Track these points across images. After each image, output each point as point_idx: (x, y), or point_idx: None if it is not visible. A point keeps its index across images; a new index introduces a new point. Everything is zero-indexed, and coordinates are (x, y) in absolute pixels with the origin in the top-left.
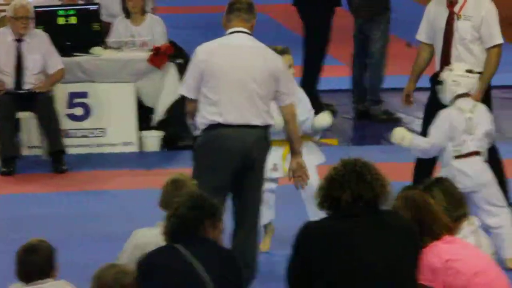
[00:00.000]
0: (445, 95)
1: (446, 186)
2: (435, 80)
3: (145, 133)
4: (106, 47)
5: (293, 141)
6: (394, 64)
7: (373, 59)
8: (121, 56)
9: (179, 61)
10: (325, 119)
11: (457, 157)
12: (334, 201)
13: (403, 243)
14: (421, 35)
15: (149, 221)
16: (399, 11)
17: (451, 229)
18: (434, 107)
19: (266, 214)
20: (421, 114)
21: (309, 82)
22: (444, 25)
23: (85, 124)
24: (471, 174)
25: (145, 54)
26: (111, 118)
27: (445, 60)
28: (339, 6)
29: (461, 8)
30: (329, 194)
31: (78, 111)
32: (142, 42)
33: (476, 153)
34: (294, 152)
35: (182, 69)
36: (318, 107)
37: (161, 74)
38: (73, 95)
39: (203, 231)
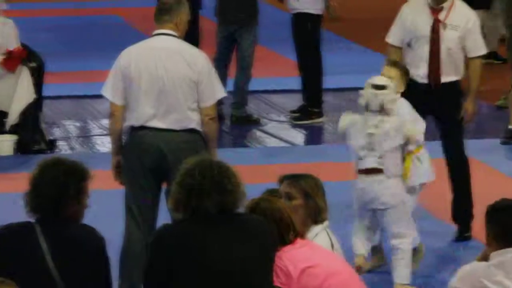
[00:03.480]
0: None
1: (322, 184)
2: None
3: None
4: None
5: (209, 145)
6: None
7: (245, 62)
8: None
9: (32, 64)
10: None
11: (360, 171)
12: (193, 209)
13: (258, 246)
14: (393, 38)
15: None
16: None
17: (302, 234)
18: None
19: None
20: (276, 117)
21: None
22: (429, 33)
23: None
24: (370, 192)
25: None
26: None
27: (435, 70)
28: (200, 9)
29: (446, 16)
30: (187, 204)
31: None
32: None
33: (378, 170)
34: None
35: (35, 73)
36: None
37: (14, 78)
38: None
39: (66, 209)
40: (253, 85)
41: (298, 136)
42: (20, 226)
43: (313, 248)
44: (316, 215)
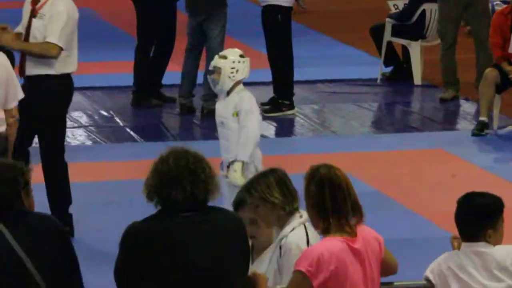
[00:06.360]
0: (224, 83)
1: (280, 176)
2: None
3: None
4: None
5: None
6: None
7: (214, 53)
8: None
9: None
10: None
11: None
12: (164, 197)
13: (230, 241)
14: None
15: None
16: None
17: (362, 214)
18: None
19: None
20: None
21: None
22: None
23: None
24: None
25: None
26: None
27: (21, 61)
28: (177, 0)
29: (41, 6)
30: (159, 191)
31: None
32: None
33: None
34: None
35: None
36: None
37: None
38: None
39: (20, 203)
40: None
41: (269, 128)
42: None
43: (357, 254)
44: (283, 208)
